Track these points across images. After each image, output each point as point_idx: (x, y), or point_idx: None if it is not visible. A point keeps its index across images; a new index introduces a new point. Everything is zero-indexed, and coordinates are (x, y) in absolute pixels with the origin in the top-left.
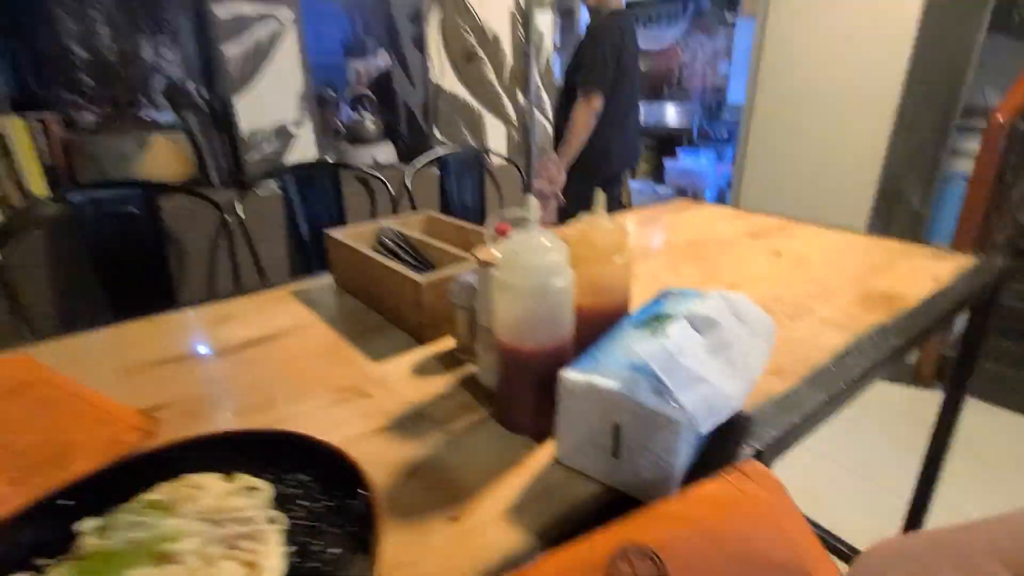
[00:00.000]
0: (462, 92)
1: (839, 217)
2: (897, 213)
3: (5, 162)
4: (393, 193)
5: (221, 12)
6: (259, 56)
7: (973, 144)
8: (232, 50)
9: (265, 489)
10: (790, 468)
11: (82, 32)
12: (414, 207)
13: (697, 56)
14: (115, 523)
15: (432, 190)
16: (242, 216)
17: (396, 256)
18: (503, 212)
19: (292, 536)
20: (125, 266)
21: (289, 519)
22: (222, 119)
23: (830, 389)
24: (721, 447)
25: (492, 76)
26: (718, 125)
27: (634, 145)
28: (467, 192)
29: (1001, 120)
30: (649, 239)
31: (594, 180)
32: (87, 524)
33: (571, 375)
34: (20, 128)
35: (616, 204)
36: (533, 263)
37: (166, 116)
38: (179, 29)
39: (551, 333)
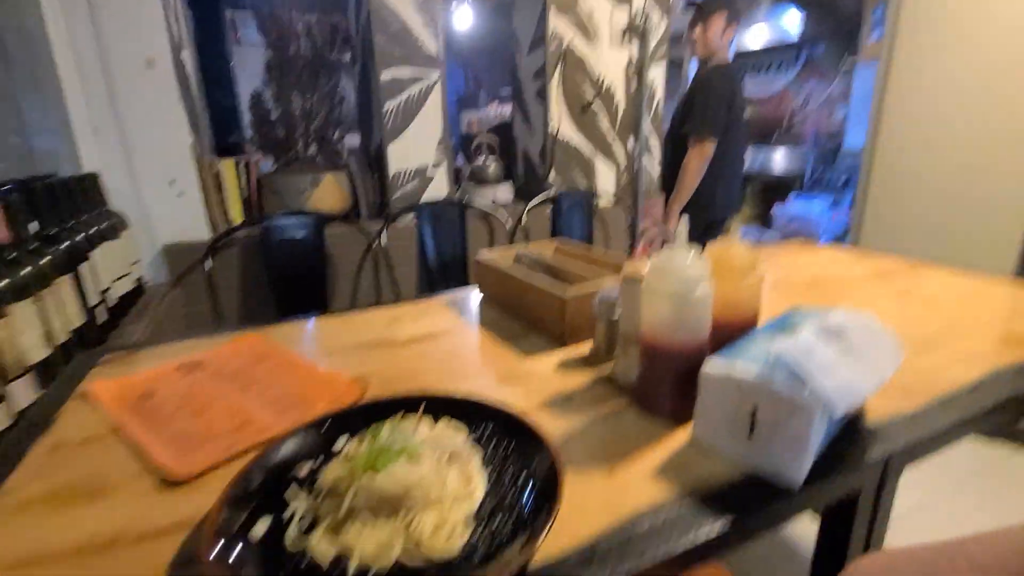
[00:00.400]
0: (577, 138)
1: (976, 265)
2: None
3: (218, 195)
4: (509, 229)
5: (384, 76)
6: (410, 110)
7: None
8: (389, 105)
9: (463, 430)
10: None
11: (274, 94)
12: (528, 240)
13: (810, 101)
14: (376, 433)
15: (544, 227)
16: (384, 243)
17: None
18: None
19: (486, 466)
20: (293, 279)
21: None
22: (375, 162)
23: (961, 412)
24: (851, 448)
25: (605, 124)
26: (834, 171)
27: (738, 192)
28: (576, 230)
29: None
30: (767, 275)
31: (700, 224)
32: (344, 440)
33: (712, 366)
34: (230, 168)
35: None
36: (680, 273)
37: (333, 160)
38: (347, 91)
39: (691, 334)
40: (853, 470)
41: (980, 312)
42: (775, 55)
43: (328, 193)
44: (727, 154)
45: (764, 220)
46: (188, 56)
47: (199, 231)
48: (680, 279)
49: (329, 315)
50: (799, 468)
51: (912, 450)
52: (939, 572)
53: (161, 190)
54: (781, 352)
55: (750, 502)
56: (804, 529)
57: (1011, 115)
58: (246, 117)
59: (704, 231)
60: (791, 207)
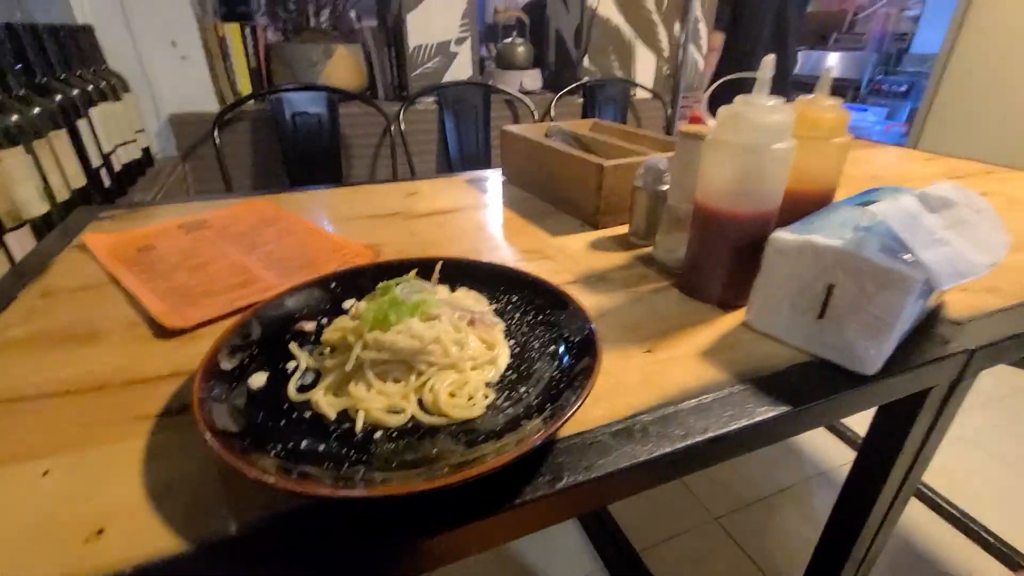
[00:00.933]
0: (617, 18)
1: None
2: None
3: (224, 63)
4: (537, 118)
5: None
6: None
7: None
8: None
9: (484, 299)
10: (943, 461)
11: None
12: None
13: None
14: (388, 289)
15: (575, 116)
16: (402, 127)
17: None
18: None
19: (508, 340)
20: (307, 156)
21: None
22: (393, 35)
23: None
24: (929, 340)
25: (651, 3)
26: (895, 79)
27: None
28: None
29: None
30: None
31: None
32: (353, 303)
33: (784, 234)
34: (236, 33)
35: None
36: (758, 121)
37: (348, 32)
38: None
39: (762, 199)
40: (931, 362)
41: None
42: None
43: (342, 67)
44: (738, 47)
45: None
46: None
47: (206, 101)
48: (758, 128)
49: (343, 186)
50: (879, 352)
51: (997, 349)
52: None
53: (162, 52)
54: (884, 216)
55: (814, 387)
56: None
57: None
58: None
59: None
60: None
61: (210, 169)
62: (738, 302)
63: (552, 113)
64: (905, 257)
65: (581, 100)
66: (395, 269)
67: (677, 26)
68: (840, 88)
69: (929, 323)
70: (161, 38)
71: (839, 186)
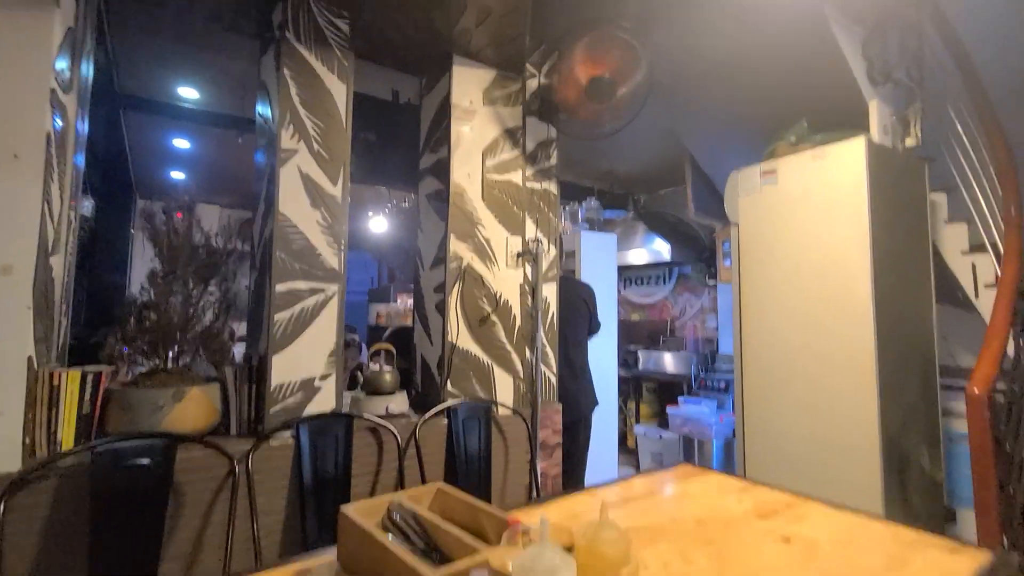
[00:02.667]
0: (475, 349)
1: (849, 476)
2: (912, 477)
3: (49, 413)
4: (401, 444)
5: (279, 287)
6: (302, 322)
7: (962, 404)
8: (281, 316)
9: None
10: None
11: (158, 295)
12: (420, 456)
13: (686, 311)
14: None
15: (440, 437)
16: (250, 466)
17: (405, 536)
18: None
19: None
20: (122, 519)
21: None
22: (256, 374)
23: None
24: None
25: (503, 335)
26: (715, 374)
27: (581, 391)
28: (473, 440)
29: (977, 392)
30: (658, 514)
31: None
32: None
33: None
34: (75, 380)
35: (585, 443)
36: None
37: (210, 369)
38: (240, 300)
39: None
40: None
41: (856, 562)
42: (653, 269)
43: (193, 408)
44: (564, 355)
45: (662, 420)
46: (58, 261)
47: (6, 460)
48: None
49: None
50: None
51: None
52: None
53: None
54: None
55: None
56: None
57: (847, 345)
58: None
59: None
60: (683, 409)
61: None
62: None
63: (418, 435)
64: None
65: (446, 421)
66: None
67: (527, 352)
68: (677, 383)
69: None
70: None
71: None
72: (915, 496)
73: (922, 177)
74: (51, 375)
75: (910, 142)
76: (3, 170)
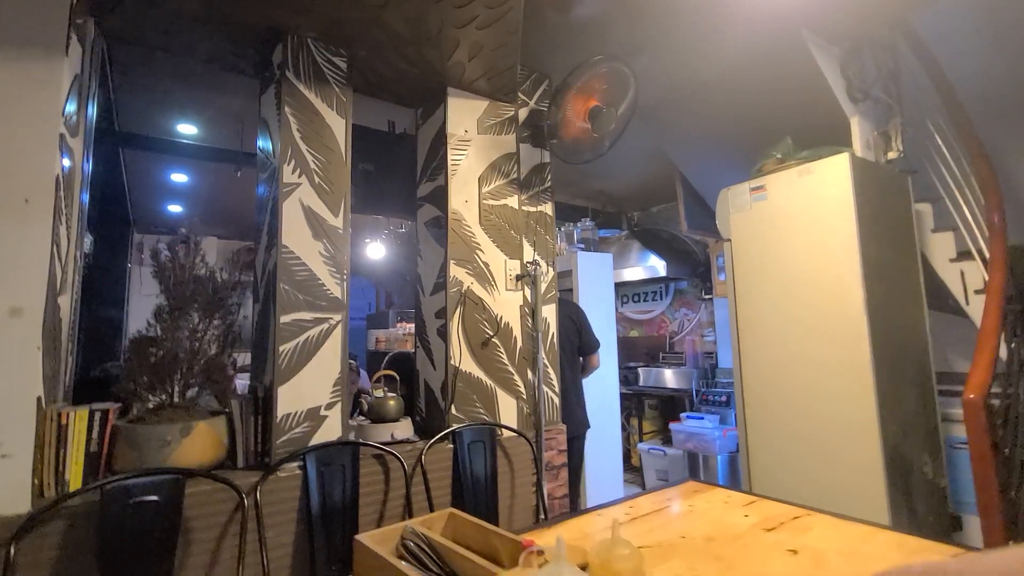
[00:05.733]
0: (478, 372)
1: (853, 486)
2: (916, 485)
3: (57, 452)
4: (407, 471)
5: (284, 319)
6: (307, 352)
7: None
8: (286, 347)
9: None
10: None
11: (164, 330)
12: (427, 483)
13: (684, 326)
14: None
15: (447, 462)
16: (258, 499)
17: (420, 562)
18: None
19: None
20: (133, 555)
21: None
22: (263, 404)
23: None
24: None
25: (504, 358)
26: (716, 389)
27: (576, 410)
28: (479, 463)
29: (973, 398)
30: (666, 531)
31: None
32: None
33: None
34: (82, 419)
35: (580, 462)
36: None
37: (212, 402)
38: (244, 328)
39: None
40: None
41: (862, 571)
42: (649, 285)
43: (200, 443)
44: (563, 377)
45: (665, 436)
46: (65, 300)
47: (15, 503)
48: None
49: None
50: None
51: None
52: None
53: None
54: None
55: None
56: None
57: (842, 354)
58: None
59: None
60: (686, 425)
61: None
62: None
63: (424, 460)
64: None
65: (451, 446)
66: None
67: (529, 373)
68: (679, 399)
69: None
70: None
71: None
72: (920, 504)
73: (906, 189)
74: (59, 414)
75: (892, 156)
76: (14, 214)
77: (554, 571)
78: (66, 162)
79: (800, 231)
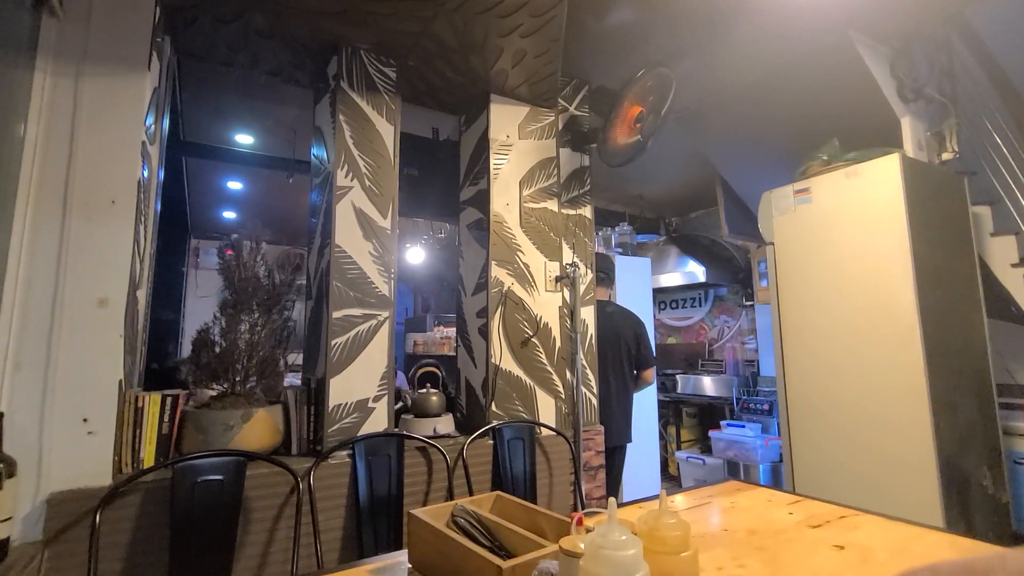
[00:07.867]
0: (518, 371)
1: (906, 496)
2: (973, 498)
3: (134, 433)
4: (449, 463)
5: (336, 314)
6: (356, 346)
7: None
8: (337, 341)
9: None
10: None
11: (228, 324)
12: (468, 475)
13: (724, 333)
14: None
15: (487, 457)
16: (311, 484)
17: (470, 536)
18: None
19: None
20: (198, 531)
21: None
22: (316, 395)
23: None
24: None
25: (543, 357)
26: (757, 397)
27: (619, 421)
28: (519, 460)
29: None
30: (708, 524)
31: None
32: None
33: None
34: (155, 403)
35: (618, 474)
36: (615, 557)
37: (273, 393)
38: (298, 324)
39: None
40: None
41: None
42: (688, 291)
43: (259, 429)
44: (606, 385)
45: (704, 445)
46: (142, 294)
47: (100, 476)
48: (617, 564)
49: None
50: None
51: None
52: None
53: (70, 430)
54: None
55: None
56: None
57: (894, 358)
58: (188, 343)
59: (609, 455)
60: (726, 433)
61: (74, 555)
62: None
63: (465, 454)
64: None
65: (491, 442)
66: None
67: (568, 373)
68: (718, 407)
69: None
70: (73, 417)
71: None
72: (978, 517)
73: (962, 191)
74: (136, 398)
75: (947, 156)
76: (103, 214)
77: (605, 531)
78: (145, 169)
79: (847, 234)
